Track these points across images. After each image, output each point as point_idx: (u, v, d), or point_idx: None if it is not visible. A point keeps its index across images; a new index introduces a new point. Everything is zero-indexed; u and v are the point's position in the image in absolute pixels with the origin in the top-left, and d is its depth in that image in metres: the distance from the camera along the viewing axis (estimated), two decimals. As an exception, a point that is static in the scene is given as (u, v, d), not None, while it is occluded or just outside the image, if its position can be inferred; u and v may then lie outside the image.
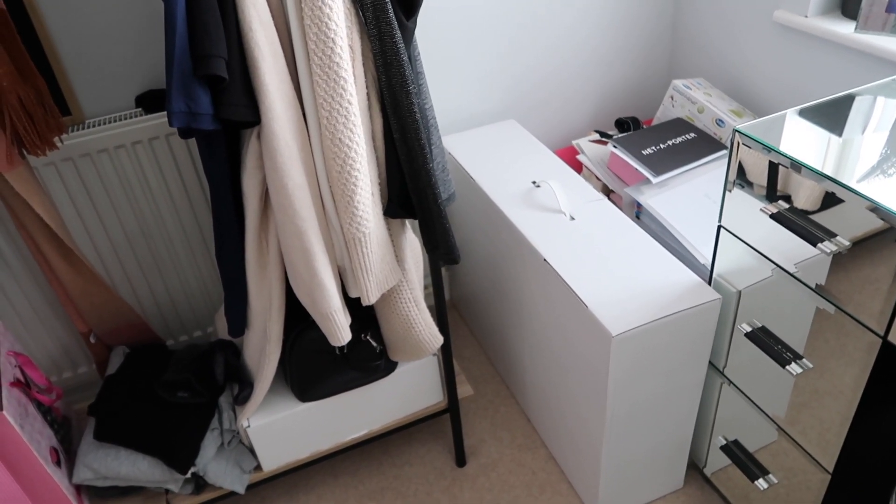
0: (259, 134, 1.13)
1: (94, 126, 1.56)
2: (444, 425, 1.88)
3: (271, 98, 1.07)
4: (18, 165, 1.33)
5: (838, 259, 1.07)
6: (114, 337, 1.68)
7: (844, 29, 1.53)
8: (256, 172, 1.18)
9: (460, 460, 1.77)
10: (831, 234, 1.07)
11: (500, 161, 1.79)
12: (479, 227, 1.79)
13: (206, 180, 1.24)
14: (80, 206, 1.60)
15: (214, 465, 1.49)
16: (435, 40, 1.83)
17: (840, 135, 1.15)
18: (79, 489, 1.49)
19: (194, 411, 1.50)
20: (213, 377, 1.54)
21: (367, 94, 1.15)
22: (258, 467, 1.57)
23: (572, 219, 1.55)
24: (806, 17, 1.61)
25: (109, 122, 1.56)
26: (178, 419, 1.49)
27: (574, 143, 1.92)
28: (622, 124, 1.97)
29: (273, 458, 1.55)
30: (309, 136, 1.14)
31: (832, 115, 1.21)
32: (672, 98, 1.87)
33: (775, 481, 1.38)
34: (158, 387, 1.52)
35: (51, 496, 1.42)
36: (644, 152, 1.69)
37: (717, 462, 1.56)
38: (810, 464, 1.27)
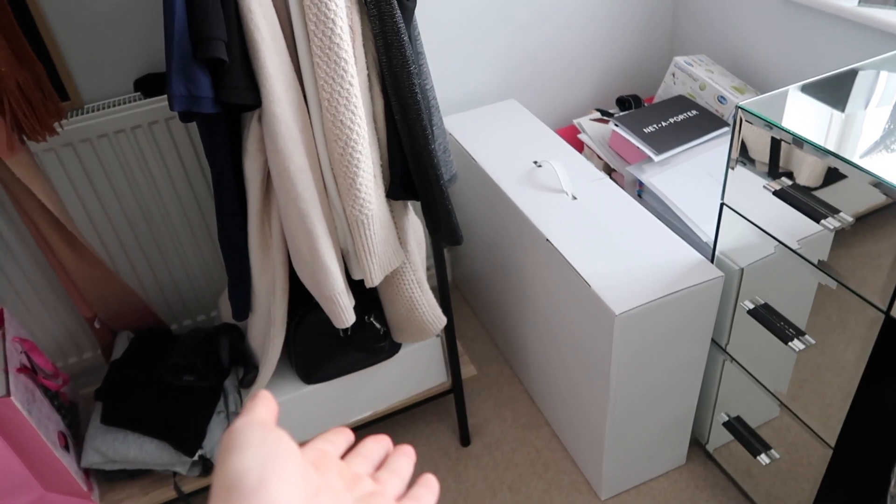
0: (260, 117, 1.13)
1: (93, 111, 1.55)
2: (449, 405, 1.90)
3: (272, 80, 1.06)
4: (19, 152, 1.33)
5: (841, 235, 1.07)
6: (118, 322, 1.68)
7: (848, 2, 1.51)
8: (258, 155, 1.18)
9: (465, 440, 1.78)
10: (834, 211, 1.07)
11: (502, 141, 1.79)
12: (481, 207, 1.79)
13: (208, 164, 1.24)
14: (81, 191, 1.60)
15: (221, 447, 1.50)
16: (436, 20, 1.81)
17: (843, 110, 1.15)
18: (87, 472, 1.51)
19: (200, 395, 1.51)
20: (219, 360, 1.55)
21: (368, 74, 1.14)
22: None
23: (574, 198, 1.54)
24: (808, -9, 1.59)
25: (109, 107, 1.56)
26: (184, 403, 1.50)
27: (575, 122, 1.92)
28: (623, 102, 1.96)
29: (279, 439, 1.56)
30: (310, 118, 1.14)
31: (835, 91, 1.20)
32: (673, 75, 1.86)
33: (777, 456, 1.39)
34: (164, 371, 1.53)
35: (60, 480, 1.43)
36: (645, 130, 1.68)
37: (719, 438, 1.57)
38: (812, 439, 1.28)
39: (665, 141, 1.65)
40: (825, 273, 1.13)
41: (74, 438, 1.52)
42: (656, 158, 1.61)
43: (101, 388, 1.54)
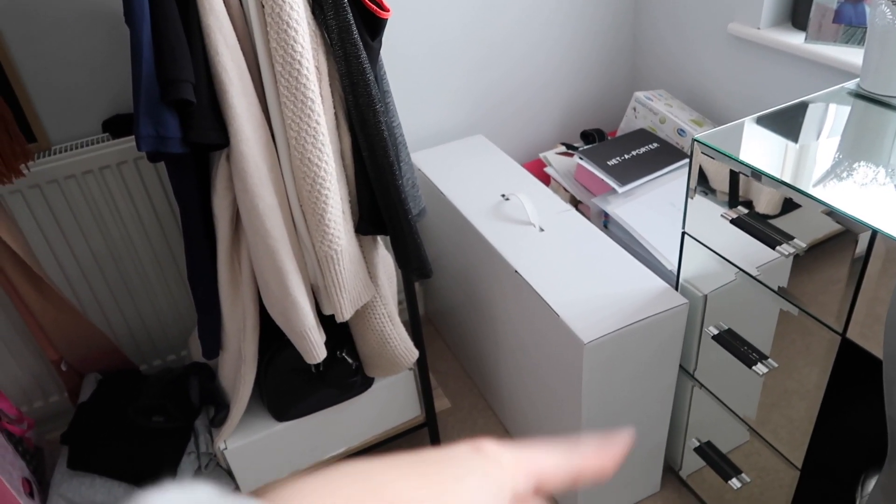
0: (228, 156, 1.14)
1: (60, 152, 1.55)
2: (423, 439, 1.89)
3: (240, 120, 1.08)
4: (-16, 194, 1.32)
5: (799, 261, 1.11)
6: (86, 364, 1.66)
7: (795, 39, 1.58)
8: (227, 194, 1.18)
9: (440, 474, 1.77)
10: (789, 238, 1.11)
11: (470, 176, 1.82)
12: (450, 241, 1.81)
13: (176, 203, 1.24)
14: (48, 232, 1.59)
15: (192, 489, 1.47)
16: (403, 58, 1.85)
17: (796, 141, 1.20)
18: (53, 520, 1.47)
19: (170, 436, 1.49)
20: (189, 401, 1.53)
21: (335, 113, 1.17)
22: (237, 489, 1.55)
23: (542, 230, 1.57)
24: (759, 28, 1.67)
25: (76, 148, 1.56)
26: (153, 444, 1.47)
27: (541, 155, 1.96)
28: (587, 136, 2.01)
29: (252, 479, 1.54)
30: (278, 156, 1.15)
31: (788, 123, 1.26)
32: (634, 110, 1.92)
33: (748, 480, 1.41)
34: (133, 412, 1.51)
35: (24, 529, 1.39)
36: (609, 163, 1.72)
37: (692, 464, 1.59)
38: (781, 462, 1.30)
39: (628, 173, 1.70)
40: (785, 299, 1.17)
41: (39, 485, 1.48)
42: (620, 190, 1.65)
43: (67, 431, 1.51)
